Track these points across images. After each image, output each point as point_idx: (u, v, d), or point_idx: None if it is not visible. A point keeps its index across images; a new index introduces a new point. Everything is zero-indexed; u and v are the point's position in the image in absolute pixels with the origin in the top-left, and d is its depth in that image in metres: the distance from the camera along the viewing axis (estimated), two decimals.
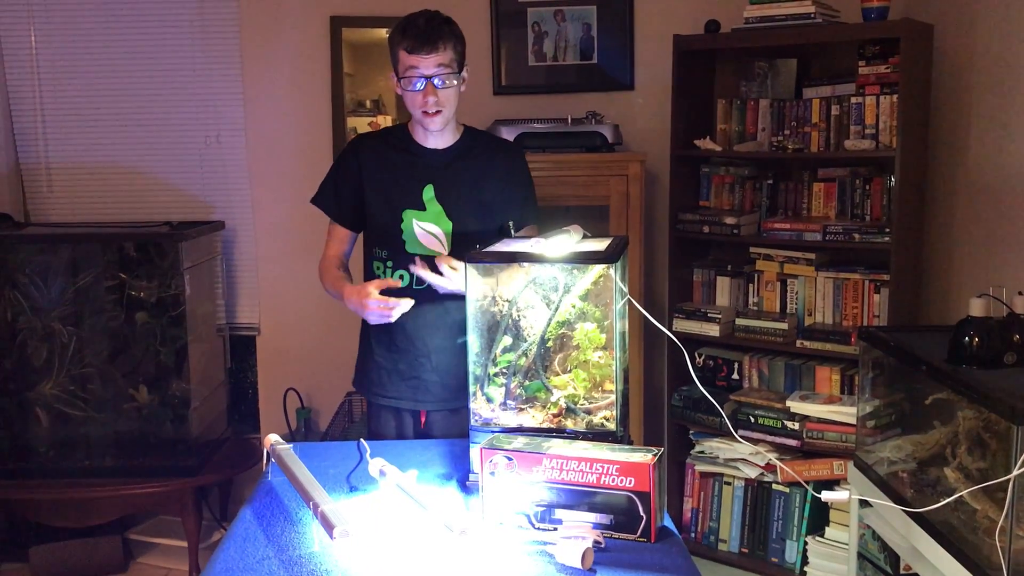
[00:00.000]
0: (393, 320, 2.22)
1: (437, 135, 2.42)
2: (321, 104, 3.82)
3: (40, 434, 3.45)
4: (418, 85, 2.29)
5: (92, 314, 3.41)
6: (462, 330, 2.16)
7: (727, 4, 3.50)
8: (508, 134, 3.40)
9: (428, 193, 2.39)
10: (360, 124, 3.82)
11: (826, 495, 2.27)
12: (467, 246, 2.25)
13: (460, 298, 2.18)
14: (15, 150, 3.90)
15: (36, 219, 3.92)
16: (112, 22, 3.83)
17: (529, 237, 2.12)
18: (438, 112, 2.33)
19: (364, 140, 2.52)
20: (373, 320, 2.25)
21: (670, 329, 3.43)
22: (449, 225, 2.38)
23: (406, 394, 2.46)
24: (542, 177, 3.37)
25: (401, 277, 2.40)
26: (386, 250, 2.42)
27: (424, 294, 2.33)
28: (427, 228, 2.39)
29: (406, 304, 2.19)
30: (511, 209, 2.41)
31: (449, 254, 2.35)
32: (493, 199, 2.42)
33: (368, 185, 2.42)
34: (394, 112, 3.81)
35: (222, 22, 3.83)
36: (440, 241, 2.39)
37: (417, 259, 2.29)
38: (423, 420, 2.48)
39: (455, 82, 2.32)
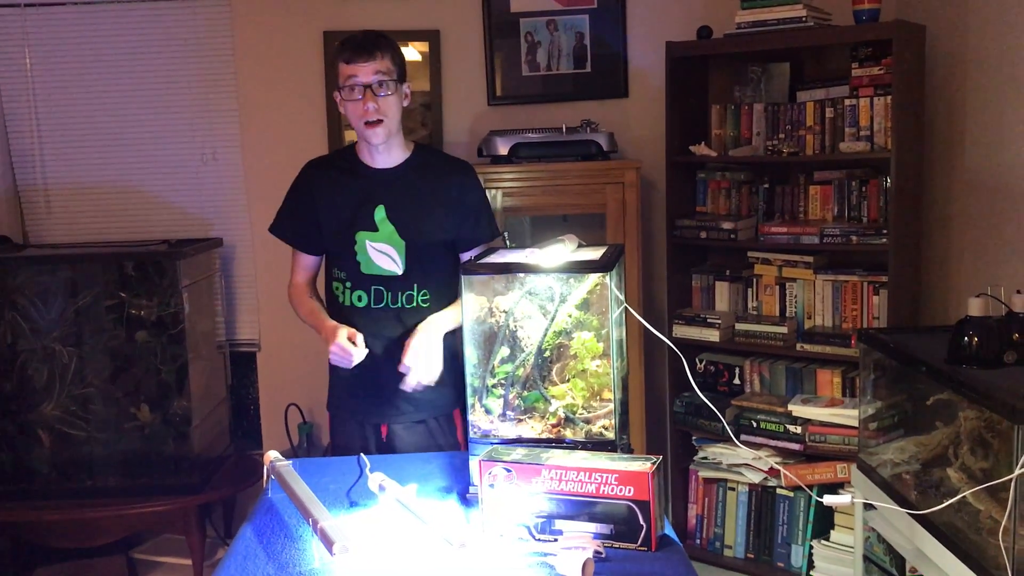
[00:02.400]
0: (349, 367, 2.29)
1: (384, 154, 2.42)
2: (316, 119, 3.83)
3: (42, 455, 3.44)
4: (357, 94, 2.31)
5: (92, 334, 3.41)
6: None
7: (719, 10, 3.51)
8: (503, 144, 3.41)
9: (379, 214, 2.40)
10: (355, 138, 3.81)
11: (828, 499, 2.26)
12: (421, 264, 2.36)
13: (421, 317, 2.35)
14: (12, 172, 3.91)
15: (35, 240, 3.92)
16: (107, 43, 3.84)
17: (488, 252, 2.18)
18: (379, 122, 2.33)
19: (314, 166, 2.55)
20: (334, 362, 2.30)
21: (670, 336, 3.43)
22: (402, 244, 2.40)
23: (370, 408, 2.49)
24: (538, 187, 3.40)
25: (359, 298, 2.44)
26: (344, 271, 2.45)
27: (386, 312, 2.40)
28: (380, 248, 2.41)
29: (360, 354, 2.26)
30: (464, 227, 2.45)
31: (403, 272, 2.41)
32: (445, 216, 2.43)
33: (321, 210, 2.45)
34: None
35: (216, 39, 3.84)
36: (394, 260, 2.41)
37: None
38: (384, 433, 2.50)
39: (394, 90, 2.34)
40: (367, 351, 2.27)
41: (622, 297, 1.99)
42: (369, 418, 2.49)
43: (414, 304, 2.41)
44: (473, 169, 2.55)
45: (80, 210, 3.94)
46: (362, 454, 2.22)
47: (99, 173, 3.91)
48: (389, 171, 2.44)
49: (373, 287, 2.41)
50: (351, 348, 2.25)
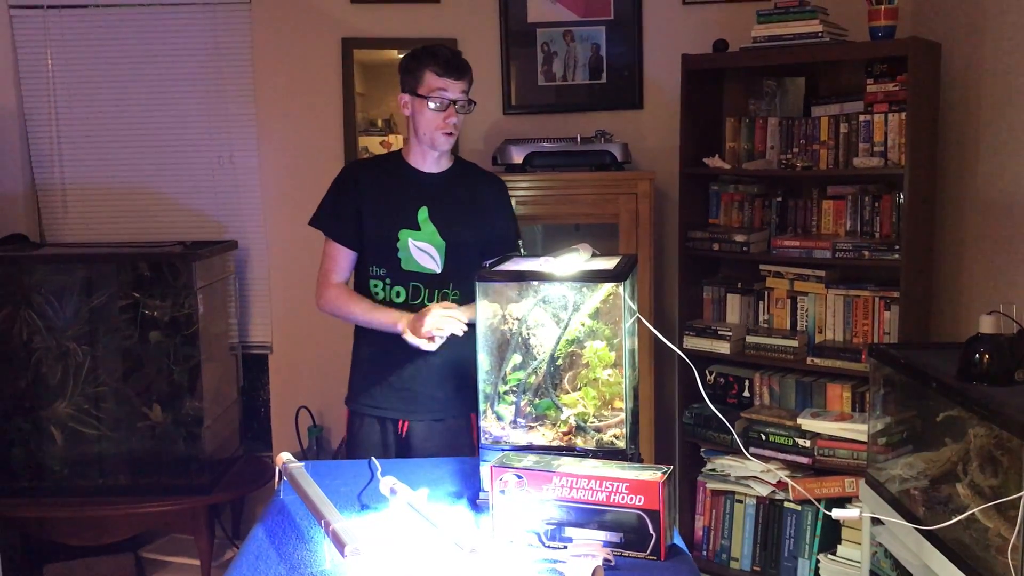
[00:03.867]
0: (434, 348, 2.38)
1: (433, 160, 2.57)
2: (333, 124, 3.86)
3: (55, 452, 3.47)
4: (440, 105, 2.46)
5: (106, 333, 3.44)
6: (455, 345, 2.36)
7: (735, 23, 3.52)
8: (517, 154, 3.43)
9: (423, 214, 2.53)
10: (372, 143, 3.85)
11: (836, 513, 2.27)
12: (457, 264, 2.47)
13: None
14: (31, 171, 3.95)
15: (51, 239, 3.96)
16: (127, 44, 3.88)
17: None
18: (452, 134, 2.50)
19: (359, 165, 2.72)
20: (418, 343, 2.37)
21: (680, 347, 3.44)
22: (443, 244, 2.53)
23: (392, 404, 2.57)
24: (551, 196, 3.42)
25: (398, 293, 2.54)
26: (384, 268, 2.55)
27: (421, 308, 2.44)
28: (422, 247, 2.53)
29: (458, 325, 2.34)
30: (495, 236, 2.57)
31: (441, 271, 2.52)
32: (480, 223, 2.57)
33: (365, 207, 2.55)
34: (405, 132, 3.83)
35: (235, 44, 3.87)
36: (433, 259, 2.53)
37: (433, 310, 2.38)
38: (404, 430, 2.57)
39: (469, 111, 2.54)
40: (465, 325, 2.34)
41: (635, 307, 2.00)
42: (389, 414, 2.58)
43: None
44: (505, 185, 2.72)
45: (97, 210, 3.97)
46: (372, 458, 2.24)
47: (116, 174, 3.95)
48: (434, 176, 2.58)
49: (411, 283, 2.53)
50: (449, 315, 2.33)
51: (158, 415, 3.47)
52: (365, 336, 2.61)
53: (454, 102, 2.47)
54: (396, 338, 2.42)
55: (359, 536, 1.67)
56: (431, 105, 2.46)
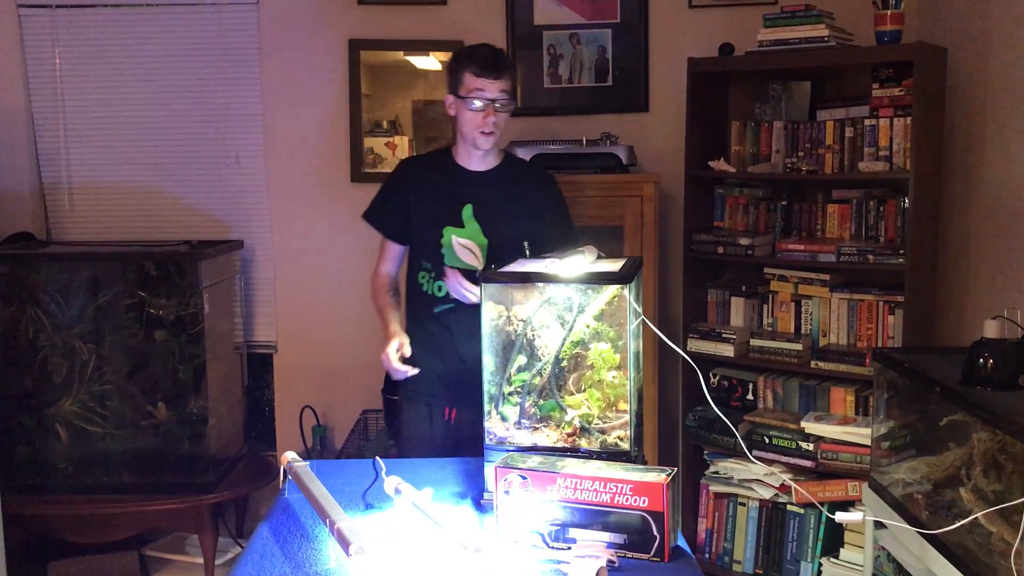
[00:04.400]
0: (396, 377, 2.49)
1: (479, 158, 2.61)
2: (339, 125, 3.87)
3: (60, 450, 3.48)
4: (479, 105, 2.50)
5: (112, 332, 3.45)
6: None
7: (741, 27, 3.53)
8: (523, 155, 3.43)
9: (467, 212, 2.58)
10: (377, 144, 3.86)
11: (840, 516, 2.27)
12: (499, 262, 2.42)
13: None
14: (38, 170, 3.96)
15: (58, 238, 3.97)
16: (134, 44, 3.89)
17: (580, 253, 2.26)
18: (492, 133, 2.53)
19: (411, 162, 2.78)
20: (385, 366, 2.47)
21: (684, 349, 3.44)
22: (485, 242, 2.57)
23: (442, 392, 2.62)
24: None
25: (439, 288, 2.59)
26: (430, 262, 2.63)
27: (461, 303, 2.51)
28: (464, 243, 2.58)
29: (404, 373, 2.44)
30: (545, 230, 2.57)
31: (483, 268, 2.56)
32: (527, 221, 2.58)
33: (413, 203, 2.62)
34: (410, 132, 3.86)
35: (242, 45, 3.88)
36: (475, 255, 2.57)
37: (448, 270, 2.48)
38: (451, 417, 2.64)
39: (510, 108, 2.56)
40: (415, 371, 2.42)
41: (639, 309, 2.01)
42: (438, 401, 2.63)
43: None
44: (555, 180, 2.75)
45: (103, 209, 3.99)
46: (377, 458, 2.24)
47: (123, 173, 3.96)
48: (480, 174, 2.63)
49: None
50: (396, 366, 2.41)
51: (163, 414, 3.48)
52: (413, 326, 2.65)
53: (493, 101, 2.50)
54: (445, 329, 2.53)
55: (364, 535, 1.68)
56: (470, 105, 2.50)
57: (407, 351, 2.45)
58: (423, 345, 2.59)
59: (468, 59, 2.53)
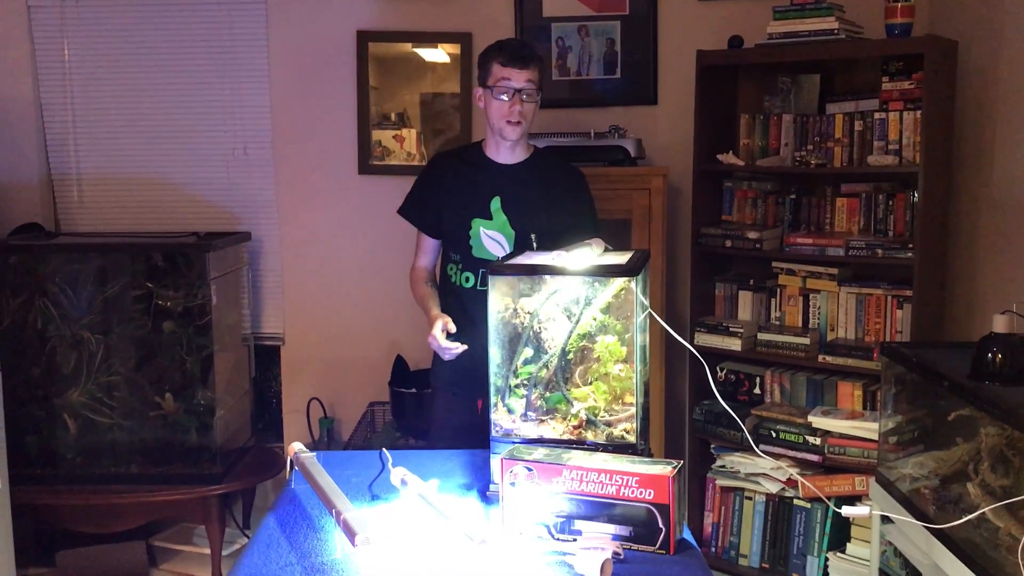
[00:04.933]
0: (445, 357, 2.44)
1: (508, 151, 2.64)
2: (347, 117, 3.87)
3: (68, 441, 3.50)
4: (507, 96, 2.53)
5: (120, 323, 3.46)
6: None
7: (750, 20, 3.51)
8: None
9: (495, 204, 2.61)
10: (385, 137, 3.86)
11: (847, 510, 2.26)
12: (527, 252, 2.42)
13: None
14: (47, 161, 3.97)
15: (66, 229, 3.98)
16: (142, 36, 3.89)
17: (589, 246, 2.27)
18: (519, 123, 2.55)
19: (442, 157, 2.81)
20: (433, 347, 2.45)
21: (692, 343, 3.44)
22: (512, 234, 2.60)
23: (470, 383, 2.59)
24: None
25: (467, 279, 2.64)
26: (458, 254, 2.67)
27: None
28: (492, 235, 2.61)
29: (453, 351, 2.39)
30: (572, 223, 2.59)
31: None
32: (554, 214, 2.61)
33: (444, 196, 2.66)
34: (418, 125, 3.85)
35: (250, 36, 3.88)
36: (502, 247, 2.60)
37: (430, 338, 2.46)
38: (480, 407, 2.61)
39: (536, 98, 2.58)
40: (465, 347, 2.39)
41: (647, 302, 2.01)
42: (469, 392, 2.62)
43: None
44: (584, 176, 2.78)
45: (111, 200, 4.00)
46: (384, 449, 2.25)
47: (131, 164, 3.97)
48: (510, 167, 2.66)
49: (480, 270, 2.60)
50: (444, 344, 2.39)
51: (170, 405, 3.49)
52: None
53: (519, 91, 2.52)
54: (471, 323, 2.51)
55: (370, 526, 1.69)
56: (498, 95, 2.53)
57: (452, 328, 2.43)
58: (453, 337, 2.59)
59: (496, 50, 2.57)
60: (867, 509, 2.39)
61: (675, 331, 2.11)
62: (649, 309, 2.02)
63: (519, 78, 2.53)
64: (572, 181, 2.72)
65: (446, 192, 2.67)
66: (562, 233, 2.55)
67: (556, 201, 2.64)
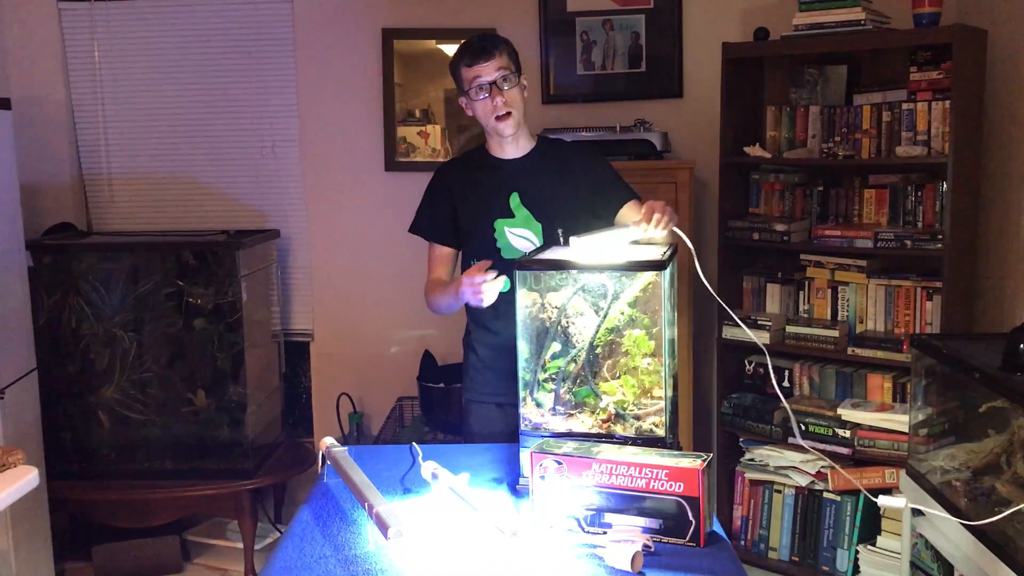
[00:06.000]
0: (486, 301, 2.23)
1: (513, 145, 2.55)
2: (373, 114, 3.89)
3: (102, 437, 3.55)
4: (483, 94, 2.44)
5: (152, 320, 3.51)
6: None
7: (776, 11, 3.50)
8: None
9: (515, 200, 2.51)
10: (410, 134, 3.88)
11: (882, 500, 2.25)
12: (558, 240, 2.29)
13: None
14: (79, 161, 4.03)
15: (98, 228, 4.04)
16: (171, 37, 3.94)
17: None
18: (508, 114, 2.46)
19: (447, 167, 2.68)
20: (468, 299, 2.27)
21: (720, 337, 3.44)
22: (539, 226, 2.50)
23: (508, 390, 2.45)
24: None
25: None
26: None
27: None
28: (519, 233, 2.52)
29: (498, 282, 2.21)
30: (602, 192, 2.52)
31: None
32: (578, 190, 2.52)
33: (459, 205, 2.56)
34: (443, 121, 3.87)
35: (277, 36, 3.92)
36: (532, 242, 2.51)
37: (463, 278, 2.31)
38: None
39: (515, 82, 2.47)
40: (504, 279, 2.22)
41: (710, 287, 2.01)
42: (501, 399, 2.53)
43: None
44: (591, 146, 2.72)
45: (142, 199, 4.05)
46: (414, 443, 2.27)
47: (161, 164, 4.02)
48: (519, 160, 2.56)
49: (514, 270, 2.40)
50: (483, 277, 2.21)
51: (202, 401, 3.54)
52: (475, 328, 2.60)
53: (493, 83, 2.43)
54: (505, 326, 2.34)
55: (402, 519, 1.70)
56: (477, 96, 2.46)
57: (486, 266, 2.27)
58: (486, 346, 2.56)
59: (458, 55, 2.49)
60: (903, 500, 2.36)
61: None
62: (703, 279, 2.02)
63: (488, 70, 2.43)
64: (582, 154, 2.62)
65: (460, 200, 2.57)
66: (594, 207, 2.48)
67: (574, 179, 2.54)
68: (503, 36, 2.54)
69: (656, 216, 2.16)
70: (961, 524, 2.17)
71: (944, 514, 2.24)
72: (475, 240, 2.56)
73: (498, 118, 2.46)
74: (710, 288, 2.25)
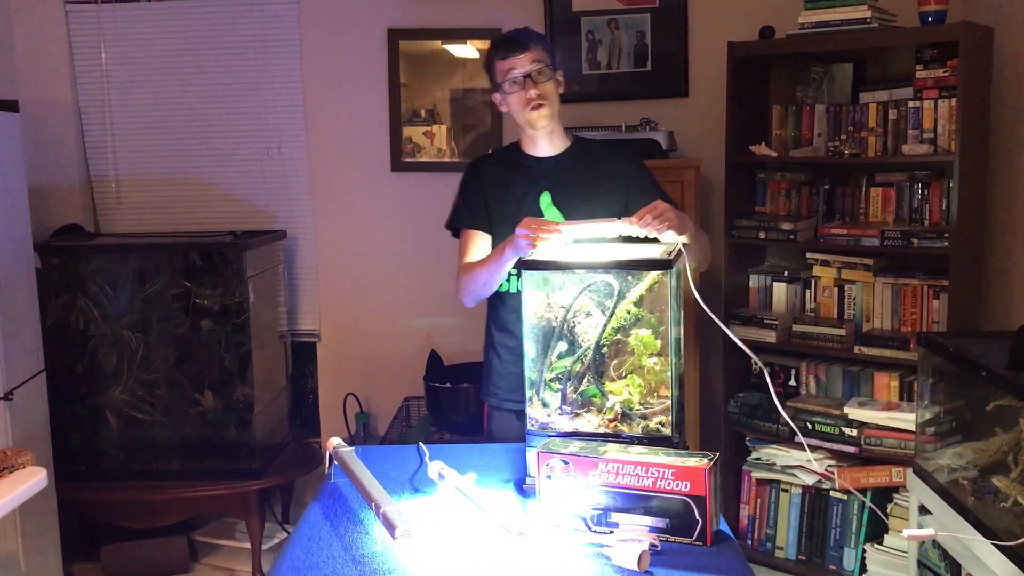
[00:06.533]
0: (537, 246, 2.12)
1: (546, 143, 2.50)
2: (379, 114, 3.90)
3: (110, 437, 3.57)
4: (519, 85, 2.41)
5: (159, 321, 3.52)
6: None
7: (782, 10, 3.49)
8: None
9: (545, 200, 2.47)
10: (415, 134, 3.89)
11: (908, 532, 2.23)
12: (587, 246, 2.22)
13: None
14: (86, 163, 4.04)
15: (106, 229, 4.05)
16: (178, 38, 3.95)
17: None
18: (542, 106, 2.41)
19: (481, 160, 2.64)
20: (520, 246, 2.17)
21: (725, 335, 3.43)
22: None
23: (525, 397, 2.44)
24: None
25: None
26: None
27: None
28: None
29: (555, 231, 2.11)
30: (634, 197, 2.40)
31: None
32: (610, 193, 2.45)
33: (491, 200, 2.51)
34: (448, 121, 3.87)
35: (283, 37, 3.93)
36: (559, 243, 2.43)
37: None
38: None
39: (550, 75, 2.44)
40: (561, 232, 2.13)
41: (697, 296, 2.01)
42: (520, 407, 2.40)
43: None
44: (636, 152, 2.65)
45: (149, 201, 4.06)
46: (421, 443, 2.27)
47: (168, 165, 4.03)
48: (552, 159, 2.52)
49: None
50: (539, 223, 2.14)
51: (210, 401, 3.55)
52: (497, 332, 2.55)
53: (527, 75, 2.40)
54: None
55: (409, 519, 1.71)
56: (510, 89, 2.42)
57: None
58: (508, 350, 2.50)
59: (492, 49, 2.47)
60: (932, 530, 2.29)
61: (709, 323, 2.10)
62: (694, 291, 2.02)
63: (523, 63, 2.40)
64: (617, 155, 2.55)
65: (492, 194, 2.51)
66: (626, 210, 2.38)
67: (607, 181, 2.47)
68: (538, 31, 2.50)
69: (647, 218, 2.11)
70: (967, 520, 2.17)
71: (978, 538, 2.13)
72: (503, 237, 2.46)
73: (532, 110, 2.41)
74: (698, 296, 2.24)
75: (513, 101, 2.44)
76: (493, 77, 2.48)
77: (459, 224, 2.57)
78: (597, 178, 2.49)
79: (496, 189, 2.52)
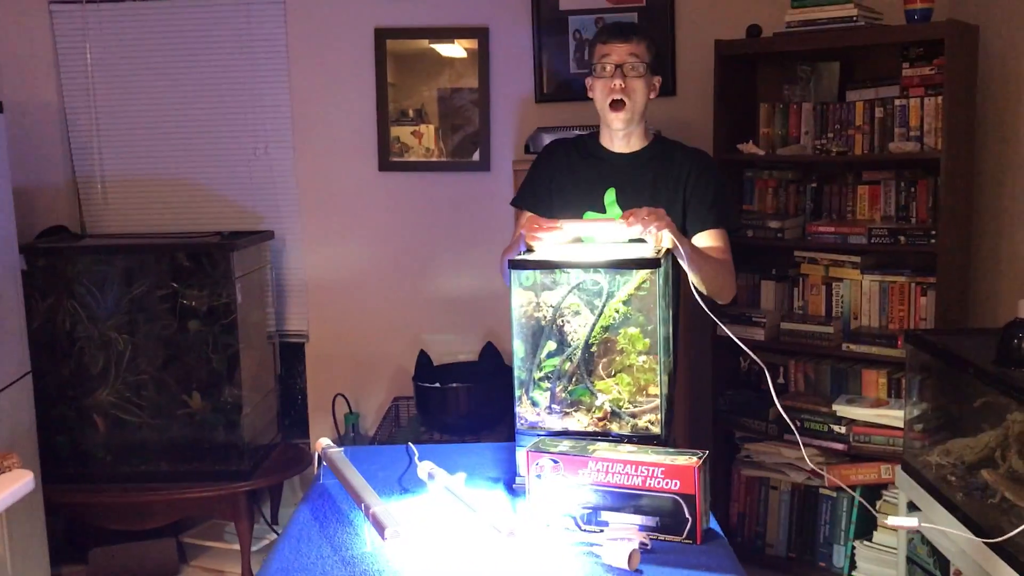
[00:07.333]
0: (530, 242, 2.14)
1: (624, 139, 2.47)
2: (366, 114, 3.89)
3: (98, 440, 3.54)
4: (608, 71, 2.36)
5: (146, 323, 3.50)
6: None
7: (769, 8, 3.50)
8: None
9: (610, 196, 2.44)
10: (403, 133, 3.88)
11: (892, 520, 2.24)
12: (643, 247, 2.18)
13: None
14: (72, 164, 4.02)
15: (92, 230, 4.03)
16: (163, 38, 3.93)
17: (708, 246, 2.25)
18: (622, 104, 2.38)
19: (558, 143, 2.62)
20: (523, 240, 2.18)
21: (714, 334, 3.44)
22: None
23: None
24: None
25: None
26: None
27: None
28: None
29: (556, 229, 2.11)
30: (688, 212, 2.41)
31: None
32: (673, 202, 2.42)
33: (555, 186, 2.50)
34: (436, 121, 3.86)
35: (270, 36, 3.91)
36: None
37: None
38: None
39: (643, 73, 2.38)
40: (561, 227, 2.14)
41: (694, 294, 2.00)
42: None
43: None
44: (711, 158, 2.58)
45: (136, 201, 4.04)
46: (410, 443, 2.27)
47: (155, 166, 4.01)
48: (626, 156, 2.49)
49: None
50: (541, 223, 2.14)
51: (198, 403, 3.53)
52: None
53: (619, 66, 2.34)
54: None
55: (399, 519, 1.70)
56: (598, 73, 2.38)
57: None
58: None
59: (597, 32, 2.43)
60: (915, 521, 2.32)
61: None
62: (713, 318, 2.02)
63: (620, 52, 2.34)
64: (690, 162, 2.46)
65: (558, 180, 2.49)
66: (683, 221, 2.39)
67: (673, 186, 2.42)
68: (649, 31, 2.46)
69: (631, 220, 2.09)
70: (957, 518, 2.17)
71: (963, 533, 2.14)
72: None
73: (611, 106, 2.38)
74: (698, 297, 2.24)
75: (598, 87, 2.40)
76: (590, 58, 2.45)
77: (520, 202, 2.57)
78: (666, 180, 2.44)
79: (565, 175, 2.49)
